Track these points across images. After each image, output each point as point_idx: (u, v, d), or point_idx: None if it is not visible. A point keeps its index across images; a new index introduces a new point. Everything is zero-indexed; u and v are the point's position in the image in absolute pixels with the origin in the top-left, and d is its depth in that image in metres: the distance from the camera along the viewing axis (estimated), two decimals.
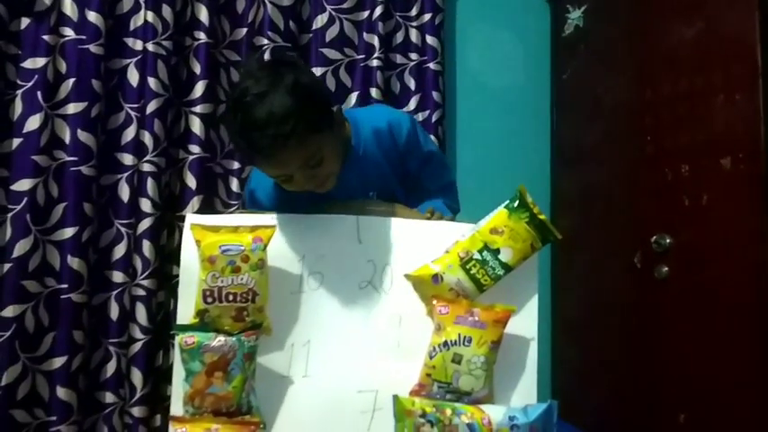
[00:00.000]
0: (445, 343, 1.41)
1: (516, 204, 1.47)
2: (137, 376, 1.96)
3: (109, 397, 1.97)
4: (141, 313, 1.98)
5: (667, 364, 2.10)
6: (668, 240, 2.08)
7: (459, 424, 1.37)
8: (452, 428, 1.36)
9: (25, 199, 1.89)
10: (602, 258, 2.36)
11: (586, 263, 2.44)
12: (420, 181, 1.70)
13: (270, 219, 1.48)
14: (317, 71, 2.24)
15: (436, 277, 1.45)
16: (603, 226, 2.37)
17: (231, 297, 1.38)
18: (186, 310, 1.42)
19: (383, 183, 1.64)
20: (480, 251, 1.45)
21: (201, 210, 2.07)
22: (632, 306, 2.22)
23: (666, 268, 2.09)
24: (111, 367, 1.98)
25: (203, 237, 1.40)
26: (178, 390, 1.40)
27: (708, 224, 2.01)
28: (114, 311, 2.00)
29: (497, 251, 1.45)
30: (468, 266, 1.44)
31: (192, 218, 1.47)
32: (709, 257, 2.00)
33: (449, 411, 1.37)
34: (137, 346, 1.97)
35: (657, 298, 2.13)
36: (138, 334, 1.97)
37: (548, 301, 2.50)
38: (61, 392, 1.87)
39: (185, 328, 1.40)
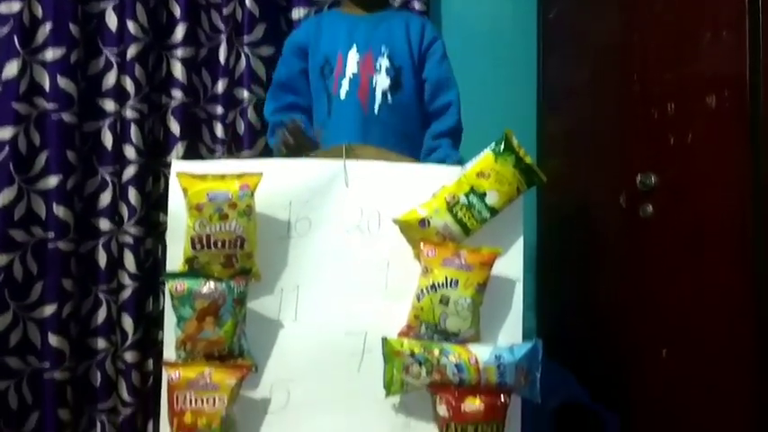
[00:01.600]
0: (433, 285, 1.43)
1: (502, 148, 1.47)
2: (127, 322, 1.97)
3: (101, 343, 1.99)
4: (129, 260, 1.99)
5: (652, 301, 2.13)
6: (653, 179, 2.09)
7: (447, 363, 1.40)
8: (440, 368, 1.40)
9: (7, 147, 1.87)
10: (588, 199, 2.37)
11: (572, 204, 2.45)
12: (428, 116, 1.78)
13: (256, 165, 1.47)
14: (301, 11, 2.19)
15: (423, 222, 1.46)
16: (589, 166, 2.38)
17: (219, 244, 1.39)
18: (175, 258, 1.43)
19: (400, 49, 1.81)
20: (467, 195, 1.46)
21: (186, 156, 2.05)
22: (617, 245, 2.24)
23: (651, 207, 2.10)
24: (101, 314, 1.99)
25: (190, 185, 1.40)
26: (170, 335, 1.42)
27: (693, 162, 2.01)
28: (102, 259, 2.00)
29: (483, 195, 1.46)
30: (454, 210, 1.45)
31: (178, 165, 1.46)
32: (694, 196, 2.01)
33: (437, 351, 1.40)
34: (126, 293, 1.98)
35: (642, 237, 2.15)
36: (127, 281, 1.98)
37: (533, 241, 2.52)
38: (53, 339, 1.89)
39: (175, 276, 1.41)
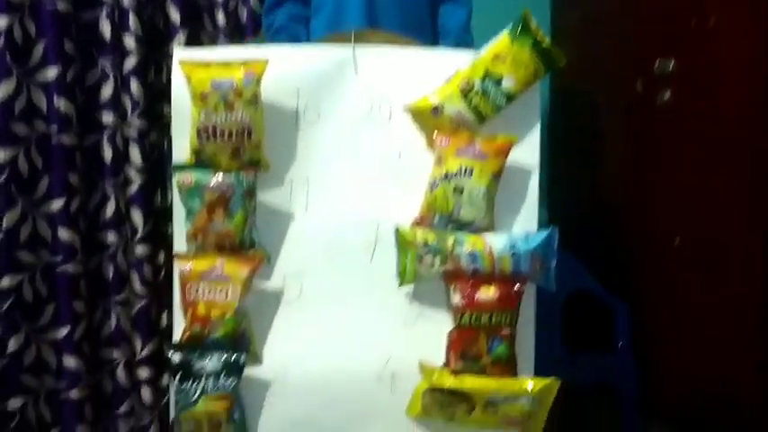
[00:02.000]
0: (446, 175, 1.39)
1: (519, 30, 1.40)
2: (137, 216, 1.96)
3: (111, 237, 1.98)
4: (135, 154, 1.95)
5: (666, 189, 2.10)
6: (672, 64, 2.02)
7: (461, 253, 1.39)
8: (454, 258, 1.39)
9: (2, 38, 1.80)
10: (603, 86, 2.31)
11: (587, 90, 2.38)
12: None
13: (262, 51, 1.41)
14: None
15: (436, 109, 1.41)
16: (605, 52, 2.30)
17: (226, 134, 1.36)
18: (181, 150, 1.40)
19: None
20: (482, 80, 1.40)
21: (189, 43, 1.97)
22: (633, 133, 2.20)
23: (669, 93, 2.04)
24: (110, 208, 1.98)
25: (193, 72, 1.35)
26: (180, 228, 1.40)
27: (714, 47, 1.94)
28: (107, 153, 1.96)
29: (500, 80, 1.40)
30: (469, 97, 1.40)
31: (180, 53, 1.41)
32: (714, 82, 1.95)
33: (450, 241, 1.39)
34: (134, 187, 1.96)
35: (659, 124, 2.10)
36: (133, 174, 1.95)
37: (545, 128, 2.47)
38: (63, 233, 1.88)
39: (182, 168, 1.38)
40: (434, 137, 1.41)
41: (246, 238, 1.40)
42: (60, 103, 1.85)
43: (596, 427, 2.36)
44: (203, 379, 1.37)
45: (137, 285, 1.98)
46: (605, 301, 2.18)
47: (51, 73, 1.84)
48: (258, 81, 1.36)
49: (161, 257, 2.00)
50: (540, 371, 1.45)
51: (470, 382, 1.38)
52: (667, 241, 2.08)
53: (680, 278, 2.07)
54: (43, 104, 1.86)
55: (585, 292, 2.21)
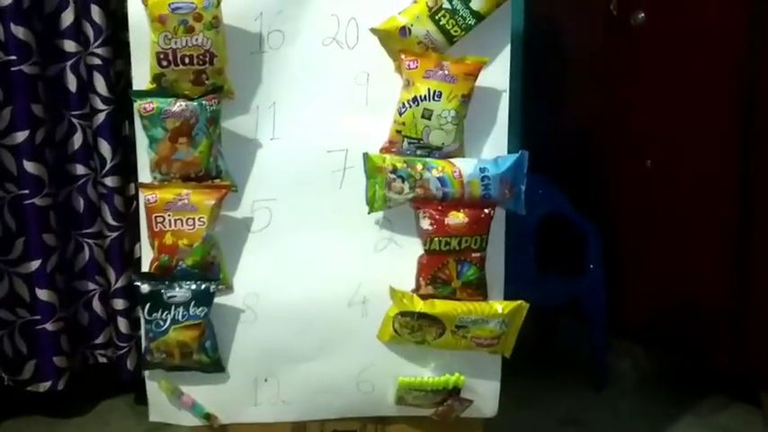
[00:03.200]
0: (414, 98, 1.37)
1: None
2: (105, 147, 1.93)
3: (79, 169, 1.95)
4: (100, 83, 1.91)
5: (639, 111, 2.10)
6: None
7: (430, 178, 1.37)
8: (423, 183, 1.37)
9: None
10: (577, 5, 2.26)
11: (560, 12, 2.34)
12: None
13: None
14: None
15: (404, 30, 1.37)
16: None
17: (187, 59, 1.31)
18: (142, 76, 1.36)
19: None
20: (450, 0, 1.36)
21: None
22: (607, 54, 2.17)
23: (643, 14, 2.01)
24: (77, 140, 1.95)
25: None
26: (143, 157, 1.38)
27: None
28: (72, 83, 1.92)
29: None
30: (437, 17, 1.36)
31: None
32: (687, 1, 1.92)
33: (419, 166, 1.38)
34: (100, 117, 1.92)
35: (633, 45, 2.08)
36: (99, 105, 1.91)
37: (518, 51, 2.43)
38: (29, 166, 1.85)
39: (143, 94, 1.35)
40: (402, 59, 1.37)
41: (212, 166, 1.37)
42: (18, 32, 1.79)
43: (567, 345, 2.42)
44: (173, 308, 1.36)
45: (108, 217, 1.96)
46: (577, 224, 2.19)
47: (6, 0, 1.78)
48: (218, 3, 1.30)
49: (131, 188, 1.98)
50: (512, 293, 1.46)
51: (440, 306, 1.39)
52: (640, 163, 2.09)
53: (651, 201, 2.09)
54: (1, 33, 1.80)
55: (558, 215, 2.22)
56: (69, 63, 1.91)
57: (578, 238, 2.20)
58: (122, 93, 1.95)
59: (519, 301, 1.43)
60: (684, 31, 1.95)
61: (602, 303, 2.17)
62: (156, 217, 1.36)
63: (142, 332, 1.41)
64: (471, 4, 1.36)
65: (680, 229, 2.03)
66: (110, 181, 1.94)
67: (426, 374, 1.46)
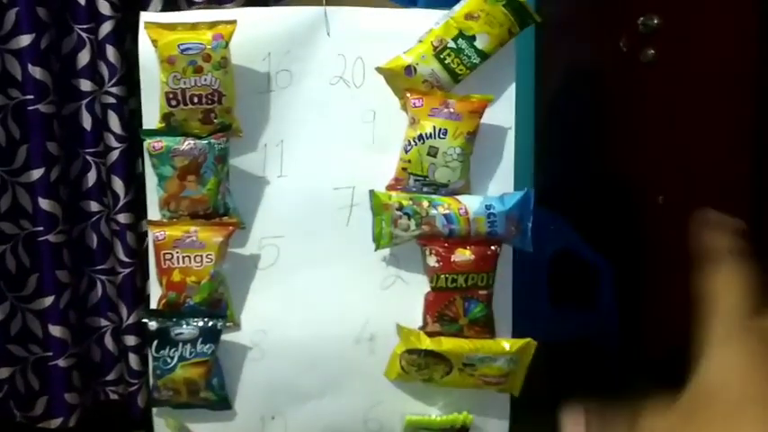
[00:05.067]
0: (420, 136, 1.38)
1: None
2: (118, 184, 1.94)
3: (93, 206, 1.97)
4: (114, 121, 1.93)
5: (650, 147, 2.09)
6: (656, 21, 1.99)
7: (437, 215, 1.38)
8: (429, 220, 1.38)
9: None
10: (588, 43, 2.28)
11: (571, 48, 2.35)
12: None
13: (229, 13, 1.39)
14: None
15: (409, 69, 1.39)
16: (589, 9, 2.26)
17: (196, 99, 1.34)
18: (151, 115, 1.39)
19: None
20: (455, 39, 1.38)
21: (166, 9, 1.94)
22: (617, 91, 2.17)
23: (653, 51, 2.02)
24: (91, 177, 1.96)
25: (160, 36, 1.33)
26: (152, 195, 1.40)
27: (697, 1, 1.91)
28: (87, 121, 1.94)
29: (473, 38, 1.38)
30: (442, 56, 1.38)
31: (146, 16, 1.39)
32: (698, 38, 1.92)
33: (425, 203, 1.38)
34: (114, 155, 1.94)
35: (643, 82, 2.08)
36: (113, 142, 1.93)
37: (530, 87, 2.45)
38: (44, 203, 1.87)
39: (152, 133, 1.37)
40: (408, 97, 1.39)
41: (220, 204, 1.39)
42: (35, 72, 1.83)
43: (579, 383, 2.38)
44: (180, 345, 1.37)
45: (120, 254, 1.97)
46: (590, 259, 2.18)
47: (25, 40, 1.82)
48: (227, 44, 1.33)
49: (144, 225, 1.99)
50: (524, 329, 1.46)
51: (447, 344, 1.39)
52: (651, 200, 2.07)
53: (664, 237, 2.07)
54: (18, 72, 1.84)
55: (571, 250, 2.20)
56: (85, 102, 1.93)
57: (592, 273, 2.19)
58: (136, 131, 1.96)
59: (527, 339, 1.42)
60: (695, 68, 1.95)
61: (616, 339, 2.14)
62: (164, 254, 1.38)
63: (150, 369, 1.41)
64: (476, 44, 1.37)
65: (692, 266, 2.01)
66: (123, 218, 1.95)
67: (434, 413, 1.45)
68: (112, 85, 1.92)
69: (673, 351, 2.06)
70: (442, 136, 1.37)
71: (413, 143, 1.38)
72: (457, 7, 1.39)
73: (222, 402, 1.43)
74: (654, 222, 2.09)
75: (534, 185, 1.43)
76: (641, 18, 2.00)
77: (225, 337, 1.41)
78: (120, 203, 1.95)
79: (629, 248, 2.18)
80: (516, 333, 1.45)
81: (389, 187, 1.42)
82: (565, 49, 2.37)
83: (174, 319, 1.37)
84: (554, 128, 2.46)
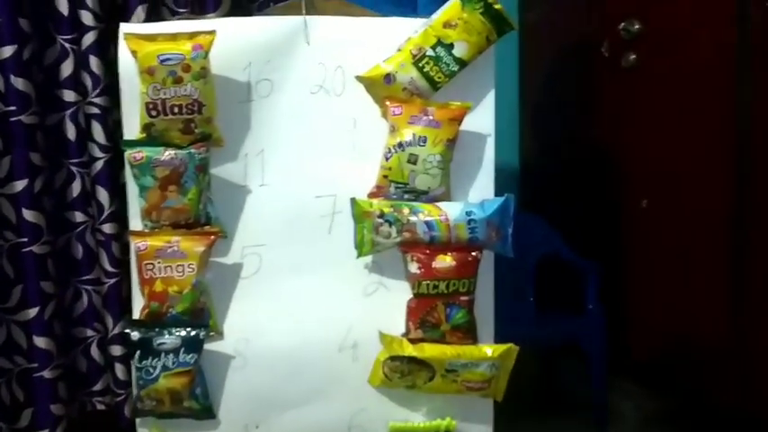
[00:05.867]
0: (400, 144, 1.39)
1: None
2: (102, 194, 1.94)
3: (78, 216, 1.96)
4: (98, 131, 1.92)
5: (633, 152, 2.11)
6: (637, 26, 2.01)
7: (417, 222, 1.38)
8: (410, 227, 1.38)
9: None
10: (570, 49, 2.29)
11: (553, 54, 2.37)
12: None
13: (209, 24, 1.39)
14: None
15: (389, 77, 1.40)
16: (571, 15, 2.28)
17: (176, 109, 1.34)
18: (132, 125, 1.39)
19: None
20: (433, 47, 1.39)
21: (149, 19, 1.94)
22: (599, 95, 2.19)
23: (634, 56, 2.03)
24: (75, 188, 1.96)
25: (139, 47, 1.34)
26: (134, 206, 1.40)
27: (678, 8, 1.93)
28: (71, 132, 1.94)
29: (451, 46, 1.39)
30: (421, 64, 1.39)
31: (126, 27, 1.40)
32: (679, 43, 1.94)
33: (406, 210, 1.39)
34: (98, 165, 1.93)
35: (626, 87, 2.10)
36: (97, 153, 1.93)
37: (514, 94, 2.47)
38: (28, 214, 1.86)
39: (133, 144, 1.38)
40: (387, 105, 1.40)
41: (201, 213, 1.39)
42: (18, 83, 1.83)
43: (567, 386, 2.39)
44: (163, 355, 1.37)
45: (106, 264, 1.97)
46: (575, 263, 2.19)
47: (6, 52, 1.81)
48: (207, 54, 1.34)
49: (129, 235, 1.99)
50: (512, 333, 1.46)
51: (430, 350, 1.39)
52: (636, 203, 2.09)
53: (648, 240, 2.08)
54: (0, 84, 1.84)
55: (557, 255, 2.21)
56: (68, 112, 1.93)
57: (578, 277, 2.20)
58: (120, 141, 1.97)
59: (509, 344, 1.43)
60: (676, 72, 1.97)
61: (602, 343, 2.15)
62: (146, 264, 1.38)
63: (133, 379, 1.41)
64: (454, 51, 1.38)
65: (678, 268, 2.03)
66: (108, 228, 1.95)
67: (417, 419, 1.46)
68: (96, 96, 1.92)
69: (658, 354, 2.08)
70: (421, 143, 1.38)
71: (393, 151, 1.39)
72: (435, 15, 1.41)
73: (206, 412, 1.43)
74: (638, 226, 2.11)
75: (519, 191, 1.44)
76: (623, 24, 2.02)
77: (208, 346, 1.41)
78: (105, 213, 1.95)
79: (615, 252, 2.20)
80: (502, 338, 1.46)
81: (371, 195, 1.42)
82: (547, 54, 2.39)
83: (157, 329, 1.37)
84: (537, 132, 2.47)
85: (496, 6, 1.40)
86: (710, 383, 2.00)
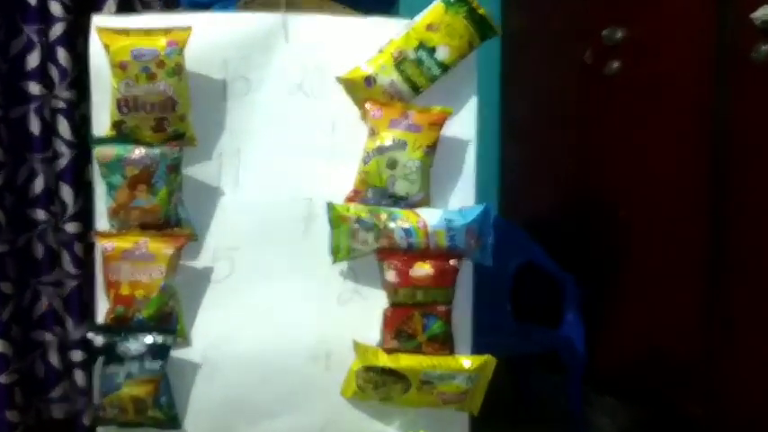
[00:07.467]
0: (379, 148, 1.36)
1: None
2: (66, 192, 1.88)
3: (40, 214, 1.90)
4: (64, 127, 1.86)
5: (613, 162, 2.10)
6: (620, 34, 2.00)
7: (395, 228, 1.35)
8: (388, 233, 1.35)
9: None
10: (552, 56, 2.28)
11: (535, 61, 2.36)
12: None
13: (185, 19, 1.34)
14: None
15: (369, 79, 1.37)
16: (554, 22, 2.27)
17: (149, 106, 1.30)
18: (102, 122, 1.34)
19: None
20: (415, 50, 1.36)
21: (120, 11, 1.88)
22: (581, 103, 2.18)
23: (617, 63, 2.03)
24: (38, 184, 1.89)
25: (112, 41, 1.29)
26: (101, 205, 1.35)
27: (662, 15, 1.93)
28: (35, 126, 1.88)
29: (433, 49, 1.36)
30: (402, 67, 1.36)
31: (98, 20, 1.34)
32: (662, 51, 1.94)
33: (384, 216, 1.36)
34: (63, 162, 1.87)
35: (607, 94, 2.09)
36: (63, 148, 1.87)
37: (496, 100, 2.45)
38: None
39: (102, 141, 1.32)
40: (367, 108, 1.36)
41: (172, 214, 1.34)
42: None
43: (543, 397, 2.37)
44: (127, 362, 1.32)
45: (68, 265, 1.90)
46: (554, 274, 2.17)
47: None
48: (181, 50, 1.29)
49: (93, 235, 1.93)
50: (489, 343, 1.43)
51: (405, 361, 1.36)
52: (613, 214, 2.08)
53: (624, 252, 2.08)
54: None
55: (535, 264, 2.20)
56: (33, 106, 1.86)
57: (556, 288, 2.18)
58: (87, 137, 1.91)
59: (486, 356, 1.39)
60: (657, 81, 1.96)
61: (580, 354, 2.13)
62: (112, 266, 1.32)
63: (95, 386, 1.35)
64: (436, 55, 1.36)
65: (652, 281, 2.02)
66: (71, 227, 1.89)
67: None
68: (63, 89, 1.86)
69: (631, 366, 2.06)
70: (401, 148, 1.35)
71: (372, 154, 1.36)
72: (418, 18, 1.38)
73: (171, 421, 1.37)
74: (617, 236, 2.10)
75: (499, 199, 1.41)
76: (605, 31, 2.01)
77: (175, 353, 1.36)
78: (69, 212, 1.89)
79: (593, 262, 2.19)
80: (479, 349, 1.43)
81: (348, 199, 1.39)
82: (530, 61, 2.38)
83: (122, 335, 1.32)
84: (518, 140, 2.46)
85: (480, 11, 1.37)
86: (682, 396, 2.00)
